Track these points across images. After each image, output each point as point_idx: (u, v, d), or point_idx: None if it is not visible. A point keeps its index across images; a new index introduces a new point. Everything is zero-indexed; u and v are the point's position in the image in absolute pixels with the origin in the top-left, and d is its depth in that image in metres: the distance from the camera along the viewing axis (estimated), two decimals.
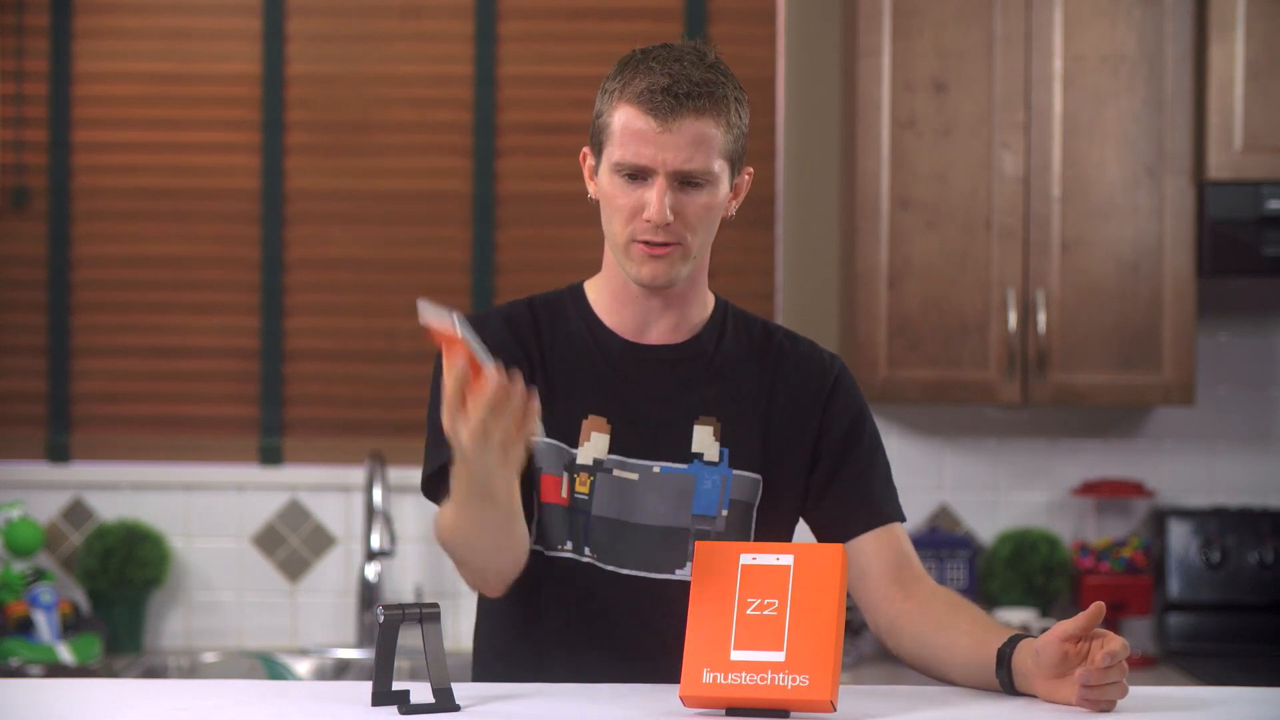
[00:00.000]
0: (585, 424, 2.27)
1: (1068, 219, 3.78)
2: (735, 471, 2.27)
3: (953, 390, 3.80)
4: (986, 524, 4.07)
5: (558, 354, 2.32)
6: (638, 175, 2.21)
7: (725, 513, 2.26)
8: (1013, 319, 3.76)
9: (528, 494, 2.26)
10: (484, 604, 2.37)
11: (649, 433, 2.27)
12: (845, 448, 2.31)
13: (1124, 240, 3.78)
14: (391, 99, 4.13)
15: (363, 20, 4.14)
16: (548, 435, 2.28)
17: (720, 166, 2.23)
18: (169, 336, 4.12)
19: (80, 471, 4.07)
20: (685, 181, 2.21)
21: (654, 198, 2.19)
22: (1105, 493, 3.98)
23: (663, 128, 2.18)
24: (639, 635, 2.23)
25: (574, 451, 2.26)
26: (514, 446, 1.97)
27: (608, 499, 2.25)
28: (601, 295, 2.34)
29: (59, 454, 4.10)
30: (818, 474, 2.30)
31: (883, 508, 2.31)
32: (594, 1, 4.14)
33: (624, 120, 2.21)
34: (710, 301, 2.36)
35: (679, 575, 2.24)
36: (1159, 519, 4.02)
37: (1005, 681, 2.11)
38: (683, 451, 2.27)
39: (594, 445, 2.26)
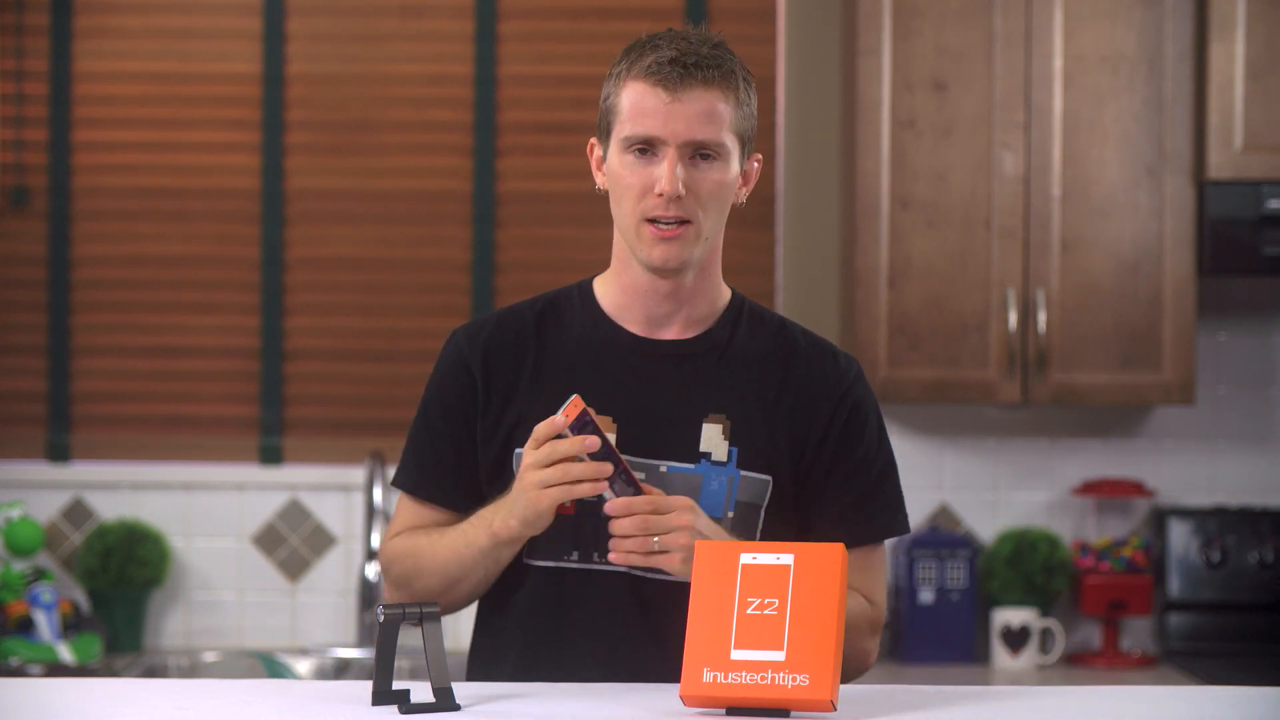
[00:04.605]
0: None
1: (1068, 219, 3.78)
2: (743, 472, 2.24)
3: (953, 390, 3.80)
4: (986, 524, 4.06)
5: (561, 354, 2.29)
6: (647, 150, 2.19)
7: (731, 514, 2.23)
8: (1013, 319, 3.76)
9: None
10: (486, 624, 2.33)
11: (657, 430, 2.23)
12: (846, 460, 2.27)
13: (1124, 240, 3.78)
14: (391, 99, 4.13)
15: (363, 20, 4.14)
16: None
17: (731, 142, 2.21)
18: (169, 336, 4.12)
19: (80, 471, 4.07)
20: (696, 154, 2.19)
21: (665, 170, 2.17)
22: (1105, 492, 3.98)
23: (672, 98, 2.17)
24: (653, 637, 2.20)
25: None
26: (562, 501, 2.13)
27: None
28: (610, 291, 2.30)
29: (59, 454, 4.10)
30: (816, 481, 2.27)
31: (867, 529, 2.28)
32: (594, 1, 4.14)
33: (633, 96, 2.19)
34: (725, 295, 2.32)
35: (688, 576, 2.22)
36: (1159, 519, 4.02)
37: None
38: (690, 450, 2.23)
39: None
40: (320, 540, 4.06)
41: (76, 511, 4.05)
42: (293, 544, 4.06)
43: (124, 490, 4.06)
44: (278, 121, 4.12)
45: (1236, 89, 3.73)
